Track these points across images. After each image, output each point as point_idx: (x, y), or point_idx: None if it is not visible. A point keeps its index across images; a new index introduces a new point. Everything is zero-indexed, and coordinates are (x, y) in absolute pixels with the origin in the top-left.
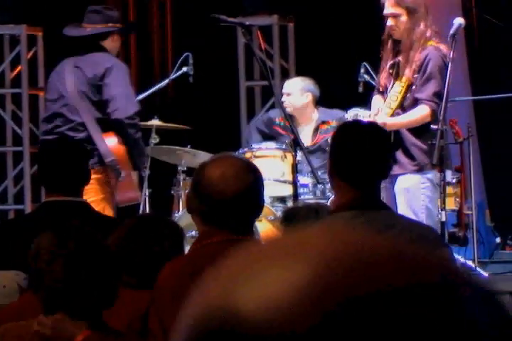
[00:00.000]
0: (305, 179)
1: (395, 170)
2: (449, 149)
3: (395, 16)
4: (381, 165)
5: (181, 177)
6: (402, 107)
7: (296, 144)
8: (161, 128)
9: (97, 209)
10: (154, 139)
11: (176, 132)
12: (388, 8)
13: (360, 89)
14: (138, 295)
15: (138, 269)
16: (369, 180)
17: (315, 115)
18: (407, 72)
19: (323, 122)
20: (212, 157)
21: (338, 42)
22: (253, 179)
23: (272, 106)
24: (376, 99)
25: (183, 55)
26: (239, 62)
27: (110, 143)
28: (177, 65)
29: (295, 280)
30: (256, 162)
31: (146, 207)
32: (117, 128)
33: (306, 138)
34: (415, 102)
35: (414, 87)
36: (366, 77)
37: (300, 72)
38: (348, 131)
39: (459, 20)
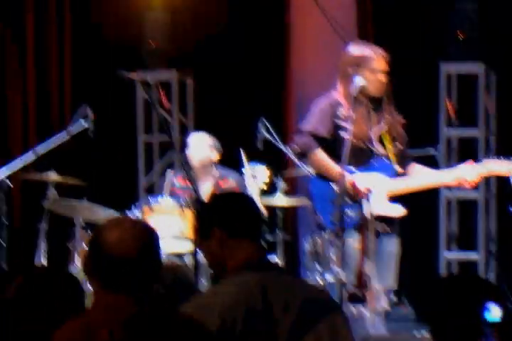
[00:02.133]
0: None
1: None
2: None
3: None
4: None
5: (78, 230)
6: None
7: (197, 201)
8: (57, 181)
9: None
10: (52, 193)
11: (74, 185)
12: (385, 65)
13: (259, 145)
14: None
15: (35, 322)
16: (261, 236)
17: (215, 171)
18: (394, 128)
19: (222, 179)
20: (107, 221)
21: (237, 97)
22: (150, 240)
23: (171, 162)
24: (324, 156)
25: (81, 106)
26: (137, 116)
27: None
28: (74, 117)
29: None
30: (154, 217)
31: (41, 261)
32: None
33: (206, 194)
34: (405, 159)
35: (397, 143)
36: (265, 133)
37: (198, 128)
38: (225, 195)
39: (358, 80)
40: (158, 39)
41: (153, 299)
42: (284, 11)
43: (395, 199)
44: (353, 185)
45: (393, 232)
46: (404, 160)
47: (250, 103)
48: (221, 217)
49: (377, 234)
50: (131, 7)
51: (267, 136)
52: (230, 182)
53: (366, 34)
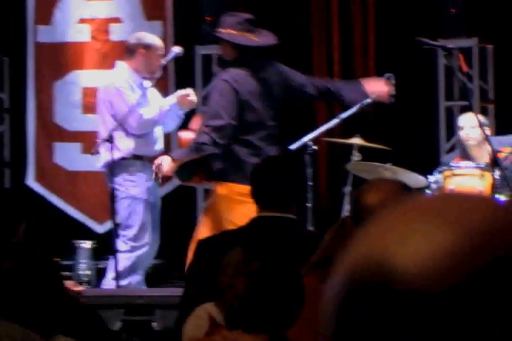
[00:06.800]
0: (502, 197)
1: None
2: None
3: None
4: None
5: None
6: None
7: (495, 163)
8: (362, 146)
9: None
10: (356, 156)
11: (378, 151)
12: None
13: None
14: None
15: None
16: None
17: (488, 146)
18: None
19: (499, 149)
20: (368, 183)
21: None
22: None
23: None
24: None
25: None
26: (439, 82)
27: None
28: None
29: (447, 242)
30: (454, 180)
31: None
32: None
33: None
34: None
35: None
36: None
37: (498, 94)
38: None
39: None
40: (457, 6)
41: None
42: None
43: None
44: None
45: None
46: None
47: None
48: None
49: None
50: None
51: None
52: (507, 151)
53: None
